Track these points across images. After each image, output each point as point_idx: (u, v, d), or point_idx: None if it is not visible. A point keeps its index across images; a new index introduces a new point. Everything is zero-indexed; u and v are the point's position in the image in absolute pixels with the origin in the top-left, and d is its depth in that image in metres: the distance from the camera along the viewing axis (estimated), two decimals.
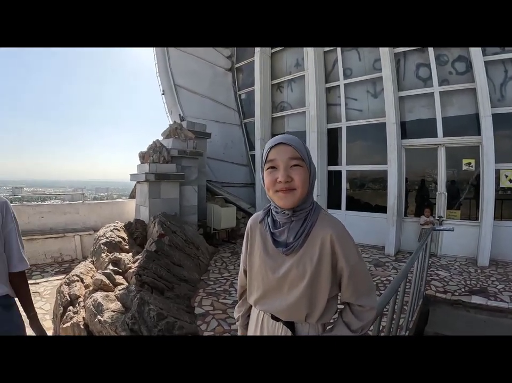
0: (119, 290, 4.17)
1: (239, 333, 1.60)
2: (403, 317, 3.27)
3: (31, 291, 1.84)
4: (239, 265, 5.36)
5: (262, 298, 1.32)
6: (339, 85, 8.75)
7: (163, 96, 10.79)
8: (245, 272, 1.47)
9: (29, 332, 1.77)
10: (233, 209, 8.62)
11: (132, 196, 9.56)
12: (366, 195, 8.84)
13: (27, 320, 1.77)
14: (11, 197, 14.83)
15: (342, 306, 1.29)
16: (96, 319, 3.55)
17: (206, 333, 3.77)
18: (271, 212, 1.30)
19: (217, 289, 5.13)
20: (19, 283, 1.71)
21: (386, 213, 7.59)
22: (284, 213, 1.21)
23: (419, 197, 7.87)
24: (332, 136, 8.94)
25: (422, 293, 4.54)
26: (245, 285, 1.47)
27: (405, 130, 7.61)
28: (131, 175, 7.84)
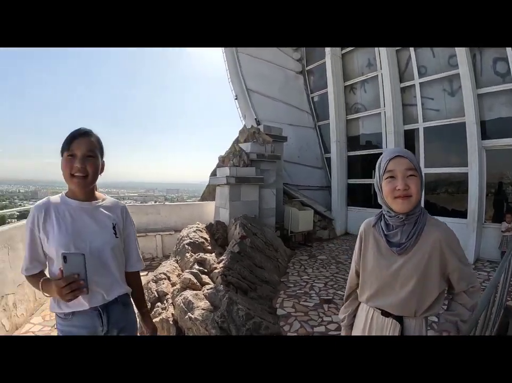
0: (207, 289, 4.40)
1: (343, 333, 1.78)
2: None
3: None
4: (317, 268, 5.95)
5: (374, 295, 1.48)
6: (414, 84, 8.66)
7: (236, 100, 11.19)
8: (356, 273, 1.63)
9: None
10: (310, 212, 8.81)
11: (203, 197, 10.11)
12: (441, 199, 8.69)
13: (139, 316, 1.92)
14: None
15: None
16: (187, 317, 3.77)
17: (289, 334, 3.88)
18: (384, 217, 1.47)
19: (297, 291, 5.26)
20: (135, 281, 1.85)
21: (462, 217, 7.40)
22: (398, 216, 1.38)
23: (497, 201, 7.58)
24: (409, 137, 8.88)
25: (504, 304, 4.57)
26: (354, 285, 1.66)
27: (485, 130, 7.29)
28: (210, 178, 8.34)
